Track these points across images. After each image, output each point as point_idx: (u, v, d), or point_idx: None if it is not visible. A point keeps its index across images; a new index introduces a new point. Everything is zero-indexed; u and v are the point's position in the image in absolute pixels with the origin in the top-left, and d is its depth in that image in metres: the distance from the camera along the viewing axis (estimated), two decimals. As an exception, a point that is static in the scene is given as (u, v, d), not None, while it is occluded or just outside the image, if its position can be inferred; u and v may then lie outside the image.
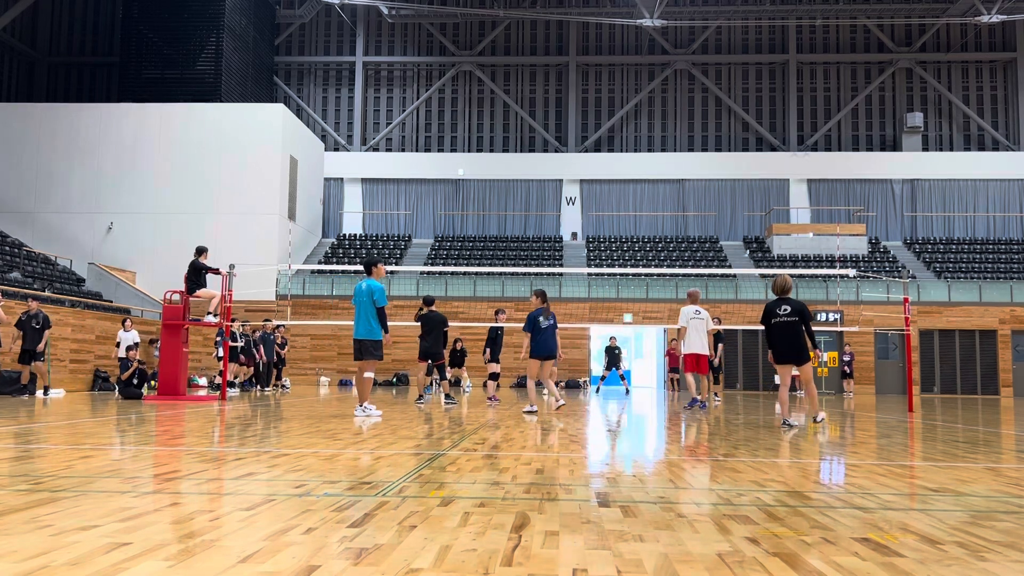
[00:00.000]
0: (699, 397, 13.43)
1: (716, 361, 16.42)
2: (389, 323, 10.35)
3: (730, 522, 3.28)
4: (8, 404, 12.49)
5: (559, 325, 11.81)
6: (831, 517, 3.43)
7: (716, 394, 18.06)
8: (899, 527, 3.23)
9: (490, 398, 14.35)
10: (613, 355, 21.93)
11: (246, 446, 6.29)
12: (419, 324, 13.64)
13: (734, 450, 6.37)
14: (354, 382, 10.46)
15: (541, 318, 11.28)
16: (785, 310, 9.12)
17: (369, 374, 10.21)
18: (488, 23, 35.27)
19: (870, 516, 3.48)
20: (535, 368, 11.44)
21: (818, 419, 9.21)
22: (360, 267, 11.97)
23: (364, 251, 30.81)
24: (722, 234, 32.96)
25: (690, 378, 13.32)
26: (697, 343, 13.13)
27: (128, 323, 18.44)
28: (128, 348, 17.07)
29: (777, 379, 9.76)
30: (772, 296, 9.63)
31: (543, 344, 11.27)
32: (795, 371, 9.39)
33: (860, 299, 25.82)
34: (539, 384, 11.79)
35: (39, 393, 15.60)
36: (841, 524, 3.28)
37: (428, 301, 13.96)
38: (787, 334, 9.07)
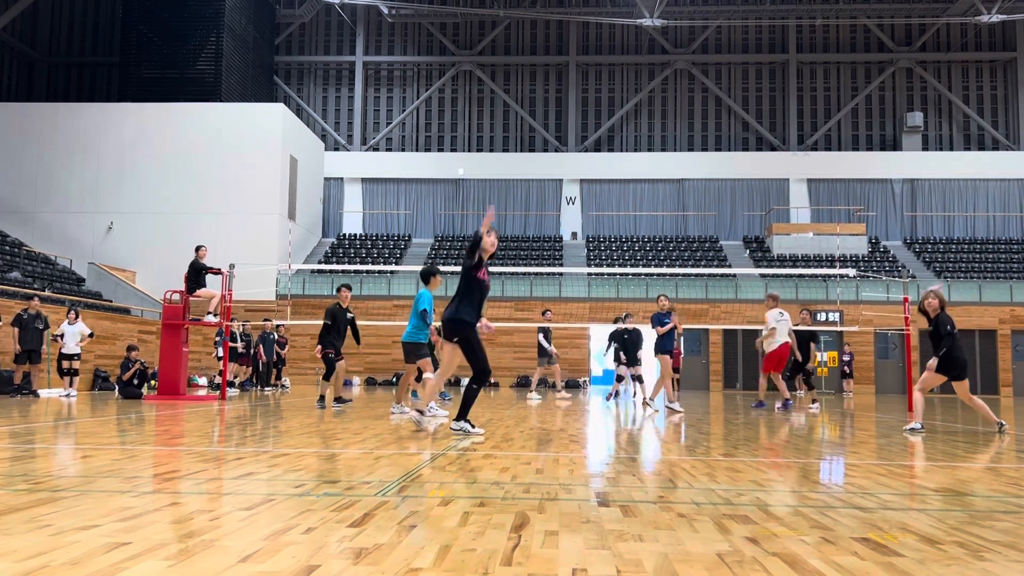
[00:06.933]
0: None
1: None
2: (388, 323, 10.42)
3: (730, 522, 3.28)
4: (7, 404, 12.49)
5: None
6: (831, 517, 3.43)
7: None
8: (899, 527, 3.23)
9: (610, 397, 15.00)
10: None
11: (246, 446, 6.29)
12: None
13: (734, 450, 6.38)
14: (400, 381, 10.90)
15: None
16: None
17: (428, 375, 9.95)
18: (488, 23, 35.26)
19: (870, 516, 3.48)
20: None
21: (1002, 429, 8.45)
22: (355, 269, 12.04)
23: (364, 251, 30.79)
24: (722, 234, 32.94)
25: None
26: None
27: (73, 315, 15.99)
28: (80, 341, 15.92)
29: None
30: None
31: None
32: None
33: (860, 299, 25.81)
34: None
35: (47, 393, 15.56)
36: (841, 524, 3.28)
37: None
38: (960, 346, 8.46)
